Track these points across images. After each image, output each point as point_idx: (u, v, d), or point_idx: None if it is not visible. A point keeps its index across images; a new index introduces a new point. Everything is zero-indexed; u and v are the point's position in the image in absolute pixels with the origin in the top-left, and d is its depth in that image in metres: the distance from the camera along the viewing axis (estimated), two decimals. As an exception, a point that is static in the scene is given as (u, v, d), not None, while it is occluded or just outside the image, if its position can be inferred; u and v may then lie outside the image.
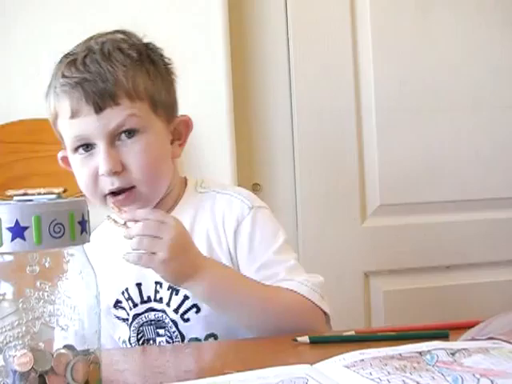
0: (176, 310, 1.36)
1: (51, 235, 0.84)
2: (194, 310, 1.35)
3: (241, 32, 2.28)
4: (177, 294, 1.36)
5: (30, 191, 0.91)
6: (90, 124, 1.31)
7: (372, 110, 2.34)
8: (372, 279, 2.35)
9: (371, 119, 2.33)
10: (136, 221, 1.23)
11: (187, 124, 1.48)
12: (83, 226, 0.88)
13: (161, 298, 1.38)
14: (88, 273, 0.91)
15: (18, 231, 0.83)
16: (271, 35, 2.32)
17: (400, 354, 0.93)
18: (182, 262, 1.22)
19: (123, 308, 1.41)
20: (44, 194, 0.90)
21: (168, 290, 1.37)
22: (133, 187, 1.34)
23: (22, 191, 0.91)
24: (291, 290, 1.31)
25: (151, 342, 1.37)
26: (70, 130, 1.34)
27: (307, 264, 2.29)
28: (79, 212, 0.87)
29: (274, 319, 1.27)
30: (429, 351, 0.92)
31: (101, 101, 1.30)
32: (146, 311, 1.39)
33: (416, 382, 0.81)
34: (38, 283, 0.86)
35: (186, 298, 1.35)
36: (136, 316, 1.39)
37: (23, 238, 0.83)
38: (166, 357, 1.14)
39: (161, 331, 1.37)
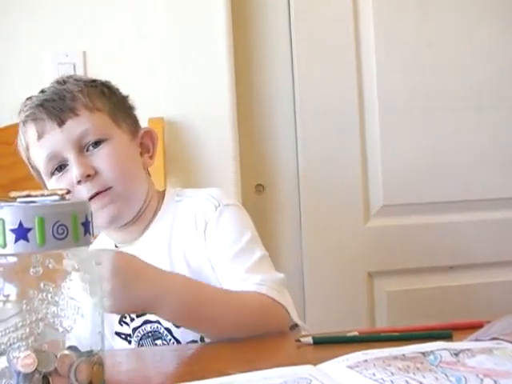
0: None
1: (54, 236, 0.84)
2: None
3: (244, 32, 2.28)
4: None
5: (33, 193, 0.91)
6: (56, 138, 1.37)
7: (375, 110, 2.34)
8: (375, 279, 2.35)
9: (374, 119, 2.34)
10: None
11: (151, 135, 1.53)
12: (86, 227, 0.88)
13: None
14: (91, 274, 0.91)
15: (21, 233, 0.83)
16: (274, 35, 2.32)
17: (403, 355, 0.92)
18: (128, 297, 1.14)
19: (127, 323, 1.42)
20: (47, 195, 0.90)
21: None
22: (109, 188, 1.37)
23: (25, 193, 0.91)
24: (253, 292, 1.29)
25: None
26: (40, 151, 1.40)
27: (311, 264, 2.31)
28: (82, 213, 0.87)
29: (242, 325, 1.24)
30: (432, 351, 0.92)
31: (61, 114, 1.37)
32: (142, 324, 1.40)
33: (419, 382, 0.81)
34: (41, 284, 0.86)
35: None
36: (134, 330, 1.41)
37: (27, 240, 0.83)
38: (170, 358, 1.14)
39: (158, 342, 1.38)
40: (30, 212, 0.83)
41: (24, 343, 0.84)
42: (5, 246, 0.83)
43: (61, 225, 0.84)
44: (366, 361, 0.90)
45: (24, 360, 0.84)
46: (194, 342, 1.34)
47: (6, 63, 2.05)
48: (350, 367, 0.88)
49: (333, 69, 2.31)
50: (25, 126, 1.42)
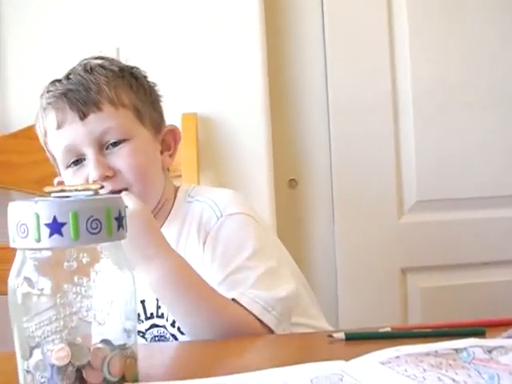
0: (173, 324, 1.37)
1: (88, 231, 0.84)
2: None
3: (277, 28, 2.28)
4: None
5: (67, 188, 0.92)
6: (75, 131, 1.33)
7: (409, 105, 2.32)
8: (408, 275, 2.34)
9: (408, 114, 2.32)
10: None
11: (175, 134, 1.49)
12: (120, 221, 0.88)
13: (162, 314, 1.39)
14: (125, 268, 0.91)
15: (55, 227, 0.83)
16: (307, 31, 2.31)
17: (436, 351, 0.92)
18: (133, 245, 1.15)
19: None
20: (81, 190, 0.91)
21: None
22: (125, 189, 1.32)
23: (59, 188, 0.92)
24: (232, 299, 1.26)
25: None
26: (58, 141, 1.36)
27: (344, 260, 2.30)
28: (116, 208, 0.88)
29: (205, 321, 1.22)
30: (465, 348, 0.91)
31: (84, 107, 1.32)
32: (150, 327, 1.40)
33: (452, 379, 0.81)
34: (75, 278, 0.87)
35: None
36: (142, 333, 1.41)
37: (61, 234, 0.83)
38: (202, 352, 1.14)
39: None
40: (64, 207, 0.84)
41: (58, 336, 0.85)
42: (39, 240, 0.83)
43: (94, 219, 0.85)
44: (398, 357, 0.90)
45: (58, 353, 0.84)
46: None
47: (39, 60, 2.06)
48: (382, 363, 0.88)
49: (366, 63, 2.30)
50: (45, 112, 1.37)
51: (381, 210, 2.32)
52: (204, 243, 1.37)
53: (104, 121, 1.33)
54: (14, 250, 0.89)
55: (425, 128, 2.32)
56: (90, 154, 1.32)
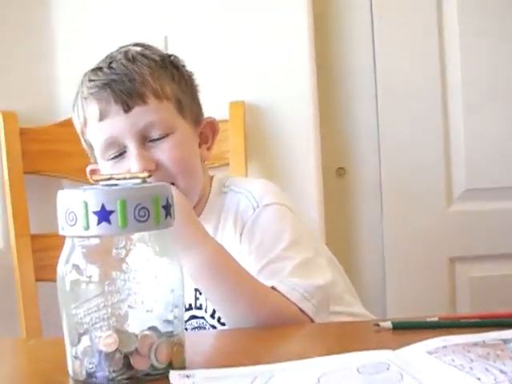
0: (212, 315, 1.37)
1: (136, 219, 0.85)
2: None
3: (324, 14, 2.27)
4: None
5: (115, 176, 0.92)
6: (119, 124, 1.30)
7: (458, 91, 2.30)
8: (457, 265, 2.32)
9: (457, 102, 2.30)
10: None
11: (213, 126, 1.47)
12: (167, 210, 0.89)
13: (200, 305, 1.39)
14: (172, 256, 0.92)
15: (103, 215, 0.84)
16: (355, 17, 2.30)
17: (483, 341, 0.92)
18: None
19: None
20: (129, 178, 0.92)
21: (196, 291, 1.38)
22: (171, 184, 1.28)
23: (107, 176, 0.93)
24: (271, 287, 1.25)
25: None
26: (99, 133, 1.33)
27: (392, 249, 2.29)
28: (164, 196, 0.89)
29: (246, 308, 1.22)
30: (513, 339, 0.91)
31: (129, 100, 1.30)
32: (189, 319, 1.40)
33: (499, 369, 0.80)
34: (123, 266, 0.88)
35: None
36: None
37: (109, 222, 0.84)
38: (247, 340, 1.14)
39: None
40: (112, 195, 0.85)
41: (106, 323, 0.86)
42: (88, 228, 0.84)
43: (142, 207, 0.86)
44: (445, 347, 0.89)
45: (106, 340, 0.85)
46: None
47: (88, 48, 2.07)
48: (429, 353, 0.88)
49: (415, 50, 2.28)
50: (86, 102, 1.34)
51: (429, 198, 2.30)
52: (241, 234, 1.37)
53: (148, 114, 1.31)
54: (63, 237, 0.90)
55: (474, 115, 2.29)
56: (132, 147, 1.31)
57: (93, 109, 1.33)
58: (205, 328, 1.38)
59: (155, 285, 0.89)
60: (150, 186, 0.90)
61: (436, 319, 1.10)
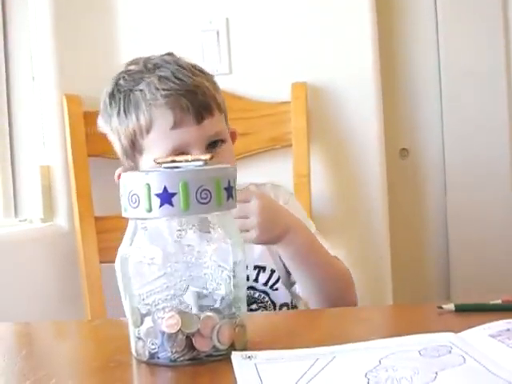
0: (265, 284, 1.51)
1: (198, 201, 0.86)
2: (281, 280, 1.52)
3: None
4: (264, 272, 1.51)
5: (177, 158, 0.93)
6: (191, 134, 1.36)
7: (525, 69, 2.26)
8: (523, 247, 2.29)
9: (523, 84, 2.26)
10: None
11: (234, 136, 1.53)
12: (229, 192, 0.89)
13: (248, 277, 1.45)
14: (234, 238, 0.92)
15: (166, 197, 0.85)
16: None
17: (548, 325, 0.90)
18: (271, 230, 1.33)
19: None
20: (191, 161, 0.92)
21: (254, 269, 1.51)
22: None
23: (170, 158, 0.93)
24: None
25: None
26: (167, 140, 1.36)
27: (456, 230, 2.27)
28: (225, 178, 0.89)
29: (336, 283, 1.42)
30: None
31: (203, 112, 1.37)
32: None
33: None
34: (185, 248, 0.88)
35: (272, 272, 1.51)
36: None
37: (171, 204, 0.85)
38: (308, 321, 1.14)
39: (253, 306, 1.49)
40: (174, 177, 0.85)
41: (168, 304, 0.87)
42: (150, 210, 0.85)
43: (204, 189, 0.86)
44: (508, 330, 0.88)
45: (168, 321, 0.86)
46: (285, 304, 1.52)
47: (149, 29, 2.09)
48: (492, 336, 0.87)
49: (479, 31, 2.24)
50: (156, 108, 1.36)
51: (494, 179, 2.27)
52: None
53: (214, 125, 1.39)
54: (126, 219, 0.91)
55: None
56: (196, 153, 1.34)
57: (165, 117, 1.36)
58: (253, 297, 1.49)
59: (217, 266, 0.89)
60: (212, 168, 0.90)
61: (499, 302, 1.09)
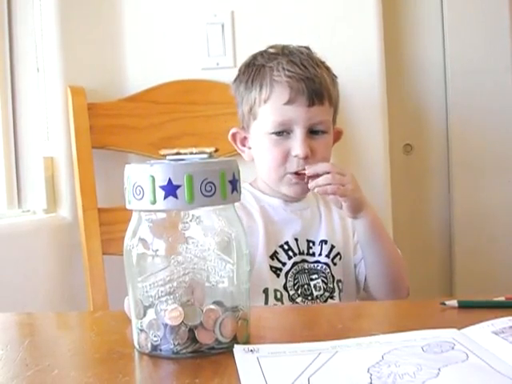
0: (328, 255, 1.64)
1: (203, 194, 0.86)
2: (339, 257, 1.66)
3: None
4: (326, 244, 1.65)
5: (182, 151, 0.93)
6: (299, 113, 1.59)
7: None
8: (527, 244, 2.29)
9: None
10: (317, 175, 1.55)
11: (339, 136, 1.75)
12: (234, 184, 0.89)
13: (313, 253, 1.64)
14: (238, 231, 0.92)
15: (170, 190, 0.85)
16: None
17: (552, 322, 0.90)
18: (359, 197, 1.56)
19: (279, 260, 1.61)
20: (196, 153, 0.92)
21: (318, 245, 1.65)
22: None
23: (174, 151, 0.93)
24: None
25: (305, 286, 1.60)
26: (278, 112, 1.60)
27: (459, 227, 2.26)
28: (230, 171, 0.89)
29: (398, 264, 1.63)
30: None
31: (315, 98, 1.59)
32: (301, 261, 1.63)
33: None
34: (189, 240, 0.88)
35: (332, 247, 1.65)
36: (294, 264, 1.62)
37: (175, 197, 0.85)
38: (314, 315, 1.14)
39: (313, 276, 1.62)
40: (179, 169, 0.85)
41: (171, 297, 0.87)
42: (154, 202, 0.85)
43: (209, 182, 0.86)
44: (511, 327, 0.88)
45: (171, 313, 0.86)
46: (339, 281, 1.64)
47: (155, 22, 2.08)
48: (495, 333, 0.87)
49: (484, 24, 2.24)
50: (277, 84, 1.60)
51: (499, 176, 2.26)
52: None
53: (322, 113, 1.61)
54: (130, 211, 0.91)
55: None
56: (299, 133, 1.59)
57: (282, 92, 1.60)
58: (316, 269, 1.63)
59: (220, 259, 0.89)
60: (217, 161, 0.90)
61: (503, 299, 1.09)
